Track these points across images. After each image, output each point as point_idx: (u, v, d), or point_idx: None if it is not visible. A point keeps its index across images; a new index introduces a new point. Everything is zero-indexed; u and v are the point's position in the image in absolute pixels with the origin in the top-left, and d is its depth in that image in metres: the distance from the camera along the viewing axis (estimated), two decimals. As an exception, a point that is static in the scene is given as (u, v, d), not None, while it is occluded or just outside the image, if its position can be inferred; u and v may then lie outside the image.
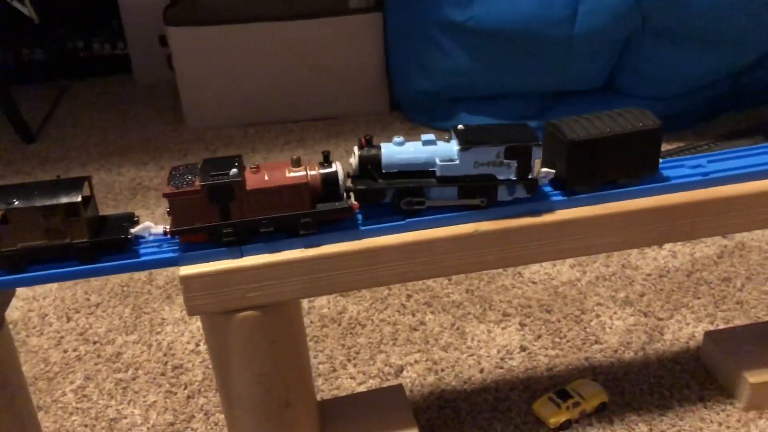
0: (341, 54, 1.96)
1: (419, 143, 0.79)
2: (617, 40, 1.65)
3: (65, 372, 1.14)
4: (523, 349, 1.12)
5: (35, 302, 1.31)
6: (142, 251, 0.77)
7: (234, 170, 0.74)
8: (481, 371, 1.08)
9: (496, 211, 0.80)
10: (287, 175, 0.75)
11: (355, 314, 1.22)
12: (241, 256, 0.77)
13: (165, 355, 1.16)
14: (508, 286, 1.26)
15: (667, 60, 1.67)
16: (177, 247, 0.77)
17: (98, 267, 0.76)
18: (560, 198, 0.82)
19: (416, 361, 1.11)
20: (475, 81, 1.78)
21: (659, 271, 1.27)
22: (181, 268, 0.76)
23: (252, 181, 0.74)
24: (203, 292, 0.76)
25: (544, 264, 1.30)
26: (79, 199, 0.73)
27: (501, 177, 0.78)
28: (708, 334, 1.06)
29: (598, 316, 1.18)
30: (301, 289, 0.78)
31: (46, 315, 1.27)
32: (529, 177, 0.78)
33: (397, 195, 0.78)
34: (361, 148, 0.78)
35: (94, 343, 1.20)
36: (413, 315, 1.21)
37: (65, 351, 1.19)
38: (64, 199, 0.73)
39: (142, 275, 1.36)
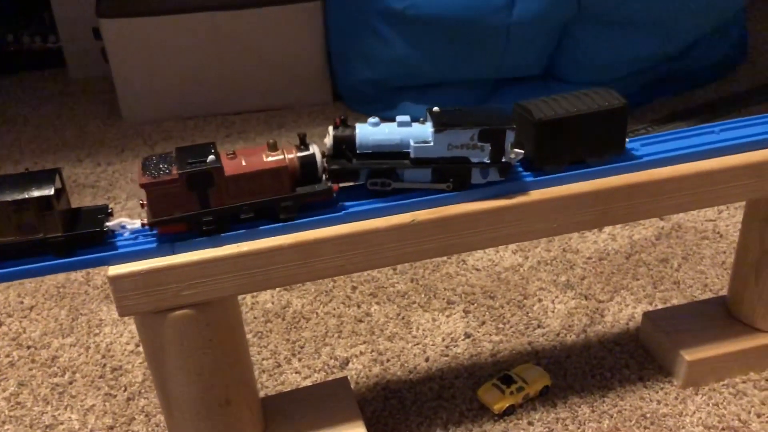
0: (281, 44, 1.93)
1: (394, 124, 0.78)
2: (555, 27, 1.67)
3: (-2, 379, 1.10)
4: (467, 336, 1.12)
5: (-35, 308, 1.25)
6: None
7: (212, 157, 0.73)
8: (427, 360, 1.08)
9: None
10: (265, 159, 0.74)
11: (299, 308, 1.20)
12: (173, 252, 0.75)
13: (103, 357, 1.13)
14: (453, 274, 1.26)
15: (604, 45, 1.69)
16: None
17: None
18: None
19: (362, 353, 1.10)
20: (416, 69, 1.78)
21: (599, 254, 1.29)
22: (110, 267, 0.74)
23: (230, 167, 0.73)
24: (135, 292, 0.74)
25: (487, 250, 1.31)
26: (52, 192, 0.71)
27: (475, 160, 0.78)
28: (646, 315, 1.08)
29: (540, 300, 1.19)
30: (235, 286, 0.77)
31: (-23, 320, 1.23)
32: (503, 160, 0.78)
33: (371, 175, 0.78)
34: (335, 127, 0.78)
35: (28, 347, 1.16)
36: (358, 306, 1.20)
37: (-3, 357, 1.14)
38: (36, 193, 0.70)
39: (78, 275, 1.31)
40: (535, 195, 0.82)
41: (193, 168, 0.72)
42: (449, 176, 0.79)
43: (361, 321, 1.17)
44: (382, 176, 0.78)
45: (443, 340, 1.12)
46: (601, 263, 1.27)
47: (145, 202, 0.74)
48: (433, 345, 1.11)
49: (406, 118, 0.79)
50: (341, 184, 0.79)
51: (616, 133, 0.83)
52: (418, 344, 1.12)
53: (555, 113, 0.81)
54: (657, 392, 0.99)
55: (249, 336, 1.14)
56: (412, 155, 0.78)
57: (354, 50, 1.85)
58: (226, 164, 0.73)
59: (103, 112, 2.02)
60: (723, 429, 0.94)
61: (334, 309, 1.20)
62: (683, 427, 0.94)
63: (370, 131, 0.78)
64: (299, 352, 1.11)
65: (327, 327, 1.16)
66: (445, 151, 0.78)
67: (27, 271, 0.73)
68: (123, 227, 0.77)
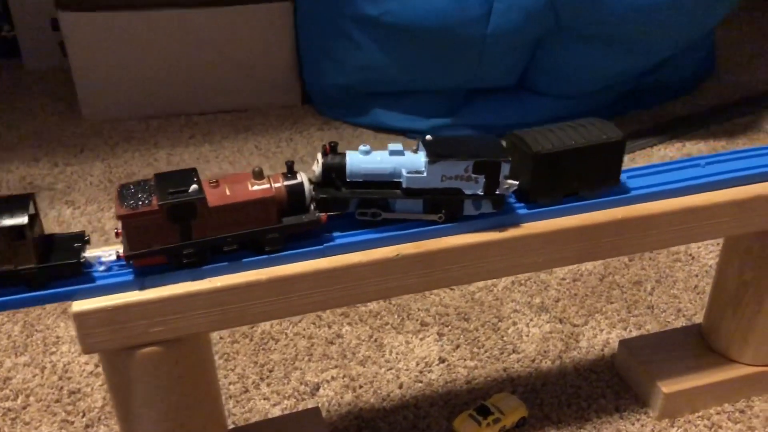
0: (249, 44, 1.87)
1: (386, 153, 0.75)
2: (531, 39, 1.65)
3: (-55, 402, 1.03)
4: (441, 360, 1.10)
5: None
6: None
7: (194, 186, 0.68)
8: (400, 386, 1.05)
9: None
10: (251, 188, 0.70)
11: (267, 328, 1.16)
12: (142, 288, 0.70)
13: (60, 378, 1.07)
14: (426, 293, 1.23)
15: (578, 59, 1.68)
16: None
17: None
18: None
19: (333, 378, 1.07)
20: (389, 76, 1.74)
21: (572, 275, 1.28)
22: (74, 303, 0.69)
23: (214, 197, 0.69)
24: (100, 329, 0.69)
25: (461, 269, 1.28)
26: (26, 220, 0.65)
27: (468, 191, 0.75)
28: (623, 343, 1.07)
29: (515, 323, 1.17)
30: (207, 323, 0.73)
31: (-77, 336, 1.16)
32: (497, 192, 0.76)
33: (361, 205, 0.75)
34: (325, 155, 0.74)
35: (-21, 367, 1.10)
36: (329, 327, 1.17)
37: (-55, 378, 1.08)
38: (8, 221, 0.65)
39: (33, 288, 1.25)
40: (522, 230, 0.79)
41: (175, 199, 0.67)
42: (441, 207, 0.76)
43: (332, 343, 1.14)
44: (373, 206, 0.75)
45: (417, 364, 1.09)
46: (575, 285, 1.25)
47: (120, 232, 0.69)
48: (407, 370, 1.08)
49: (399, 146, 0.76)
50: (330, 213, 0.75)
51: (612, 167, 0.81)
52: (391, 369, 1.09)
53: (552, 146, 0.78)
54: (633, 424, 0.98)
55: (215, 358, 1.09)
56: (404, 185, 0.75)
57: (325, 54, 1.80)
58: (209, 194, 0.69)
59: (60, 108, 1.93)
60: (698, 463, 0.93)
61: (304, 330, 1.16)
62: (659, 461, 0.93)
63: (360, 159, 0.74)
64: (268, 377, 1.07)
65: (297, 349, 1.12)
66: (438, 182, 0.75)
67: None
68: (98, 260, 0.72)
